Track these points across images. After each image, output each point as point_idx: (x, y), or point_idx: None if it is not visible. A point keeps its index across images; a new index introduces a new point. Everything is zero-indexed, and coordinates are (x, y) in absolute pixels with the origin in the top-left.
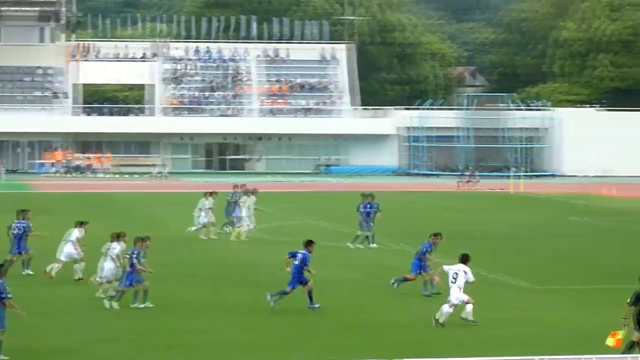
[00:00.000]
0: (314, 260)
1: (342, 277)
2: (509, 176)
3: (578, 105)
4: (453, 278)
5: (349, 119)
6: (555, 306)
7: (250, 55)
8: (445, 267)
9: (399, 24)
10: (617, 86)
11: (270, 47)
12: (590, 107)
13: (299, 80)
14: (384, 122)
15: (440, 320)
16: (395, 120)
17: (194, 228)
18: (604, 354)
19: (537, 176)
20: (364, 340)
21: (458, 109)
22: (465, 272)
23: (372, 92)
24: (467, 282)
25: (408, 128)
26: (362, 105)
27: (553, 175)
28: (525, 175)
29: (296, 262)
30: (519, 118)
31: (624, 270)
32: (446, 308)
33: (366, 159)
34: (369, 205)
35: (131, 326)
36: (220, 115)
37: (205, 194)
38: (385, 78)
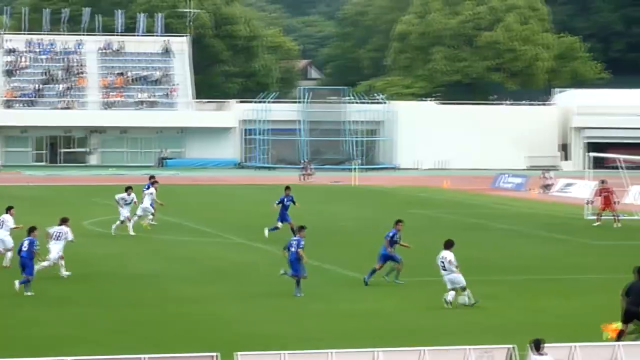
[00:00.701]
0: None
1: (169, 269)
2: (350, 169)
3: (417, 99)
4: (442, 265)
5: (189, 111)
6: (389, 297)
7: (87, 47)
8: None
9: (239, 17)
10: (454, 80)
11: (109, 39)
12: (427, 100)
13: (137, 73)
14: (224, 115)
15: (450, 300)
16: (235, 113)
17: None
18: (443, 345)
19: (374, 169)
20: (191, 333)
21: (297, 102)
22: (448, 258)
23: (214, 85)
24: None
25: (246, 121)
26: (203, 98)
27: (394, 168)
28: (362, 168)
29: (292, 250)
30: (356, 111)
31: (460, 262)
32: (451, 295)
33: (208, 151)
34: (286, 199)
35: None
36: (58, 108)
37: (127, 189)
38: (226, 71)
